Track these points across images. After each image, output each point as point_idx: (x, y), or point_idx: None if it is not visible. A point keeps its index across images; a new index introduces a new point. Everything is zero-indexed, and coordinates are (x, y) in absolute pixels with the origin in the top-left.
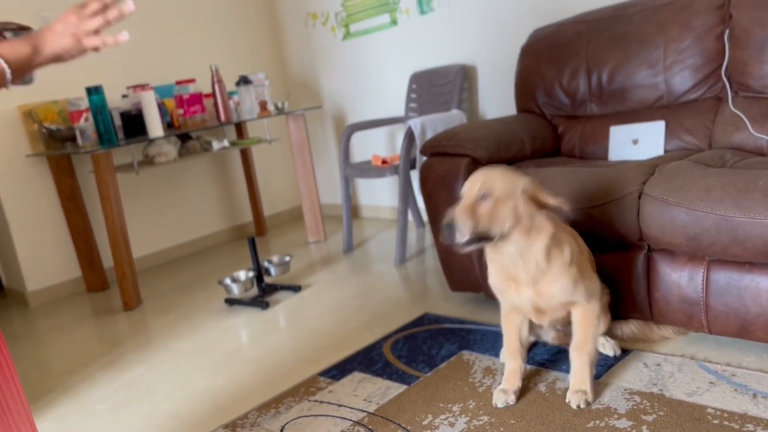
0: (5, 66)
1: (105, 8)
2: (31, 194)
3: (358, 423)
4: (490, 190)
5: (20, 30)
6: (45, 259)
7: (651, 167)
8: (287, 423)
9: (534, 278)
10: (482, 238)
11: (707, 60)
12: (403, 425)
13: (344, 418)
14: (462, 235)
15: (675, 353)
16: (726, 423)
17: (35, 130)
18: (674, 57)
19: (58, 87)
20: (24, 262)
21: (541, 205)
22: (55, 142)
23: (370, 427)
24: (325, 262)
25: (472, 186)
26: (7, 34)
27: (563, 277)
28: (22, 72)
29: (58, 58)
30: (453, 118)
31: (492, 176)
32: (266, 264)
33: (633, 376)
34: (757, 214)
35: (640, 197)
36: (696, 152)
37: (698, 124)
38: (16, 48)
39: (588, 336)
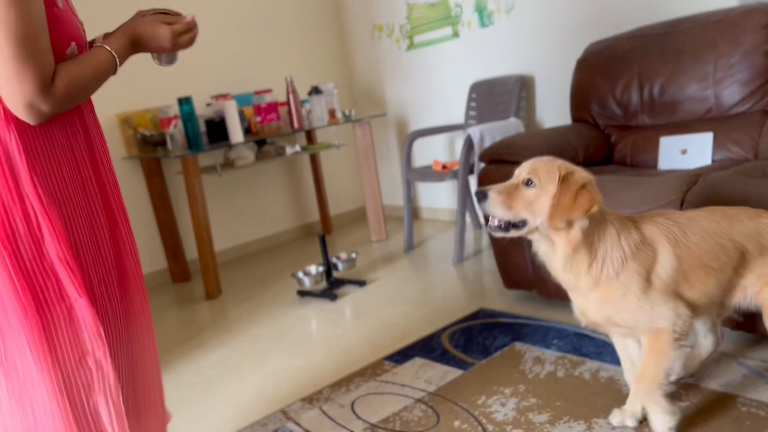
0: (116, 58)
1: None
2: (125, 193)
3: (419, 401)
4: (536, 178)
5: (167, 14)
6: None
7: (695, 177)
8: (357, 398)
9: (574, 284)
10: (512, 225)
11: (755, 75)
12: (460, 404)
13: (407, 396)
14: (491, 207)
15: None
16: (753, 410)
17: (130, 135)
18: (724, 72)
19: (150, 96)
20: None
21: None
22: (147, 146)
23: (430, 404)
24: (388, 260)
25: (522, 170)
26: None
27: (604, 290)
28: (122, 61)
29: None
30: (510, 126)
31: (543, 166)
32: (335, 260)
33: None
34: None
35: (681, 205)
36: (742, 162)
37: (745, 136)
38: (120, 43)
39: (647, 368)
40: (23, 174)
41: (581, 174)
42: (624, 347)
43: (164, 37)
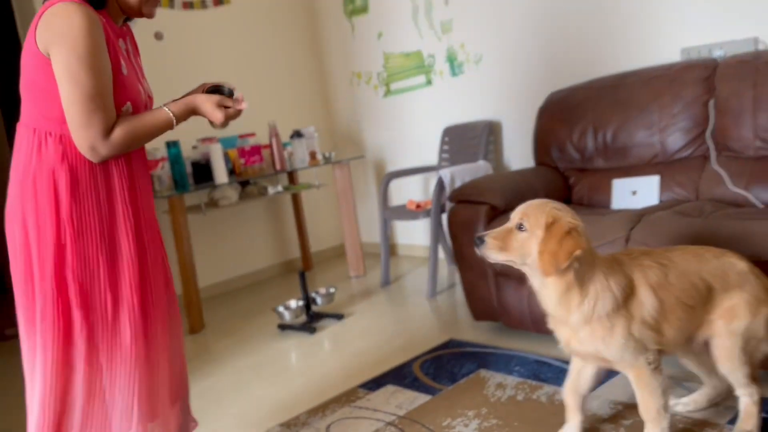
0: (174, 119)
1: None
2: None
3: (390, 424)
4: (527, 222)
5: (225, 88)
6: None
7: (639, 216)
8: (332, 423)
9: (561, 318)
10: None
11: (695, 124)
12: (427, 425)
13: (379, 420)
14: (487, 250)
15: None
16: (688, 427)
17: None
18: (667, 121)
19: None
20: None
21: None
22: None
23: (400, 426)
24: (365, 294)
25: (515, 214)
26: (224, 90)
27: (594, 328)
28: (179, 122)
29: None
30: (479, 168)
31: (534, 211)
32: (314, 295)
33: (620, 391)
34: None
35: (627, 242)
36: (684, 203)
37: (687, 179)
38: (180, 108)
39: (644, 401)
40: (64, 205)
41: (567, 220)
42: (581, 367)
43: (218, 119)
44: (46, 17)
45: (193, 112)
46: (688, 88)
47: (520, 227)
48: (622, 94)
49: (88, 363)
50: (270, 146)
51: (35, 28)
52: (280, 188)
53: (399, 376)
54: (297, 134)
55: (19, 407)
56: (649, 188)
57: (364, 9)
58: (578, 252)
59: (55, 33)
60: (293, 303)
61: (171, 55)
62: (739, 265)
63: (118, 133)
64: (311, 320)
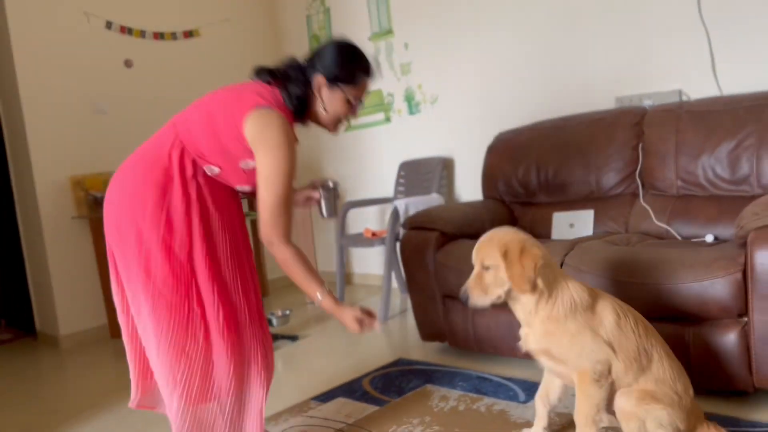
0: (320, 301)
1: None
2: (72, 250)
3: (339, 431)
4: (487, 261)
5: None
6: (77, 307)
7: (573, 244)
8: (285, 429)
9: (528, 320)
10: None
11: (626, 164)
12: (373, 431)
13: (329, 427)
14: (474, 302)
15: None
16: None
17: (82, 197)
18: (602, 161)
19: (105, 161)
20: (60, 309)
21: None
22: (99, 207)
23: None
24: (320, 319)
25: (475, 259)
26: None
27: (548, 326)
28: (322, 305)
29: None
30: (432, 200)
31: (486, 250)
32: (270, 316)
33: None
34: (637, 280)
35: (561, 265)
36: (615, 234)
37: (619, 214)
38: (328, 303)
39: (579, 405)
40: (195, 216)
41: (515, 243)
42: (551, 379)
43: (355, 331)
44: (259, 118)
45: (332, 312)
46: (621, 133)
47: (485, 268)
48: (563, 136)
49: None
50: None
51: (243, 119)
52: None
53: (349, 390)
54: None
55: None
56: (585, 221)
57: None
58: (540, 261)
59: (265, 141)
60: None
61: (140, 83)
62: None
63: (291, 252)
64: None
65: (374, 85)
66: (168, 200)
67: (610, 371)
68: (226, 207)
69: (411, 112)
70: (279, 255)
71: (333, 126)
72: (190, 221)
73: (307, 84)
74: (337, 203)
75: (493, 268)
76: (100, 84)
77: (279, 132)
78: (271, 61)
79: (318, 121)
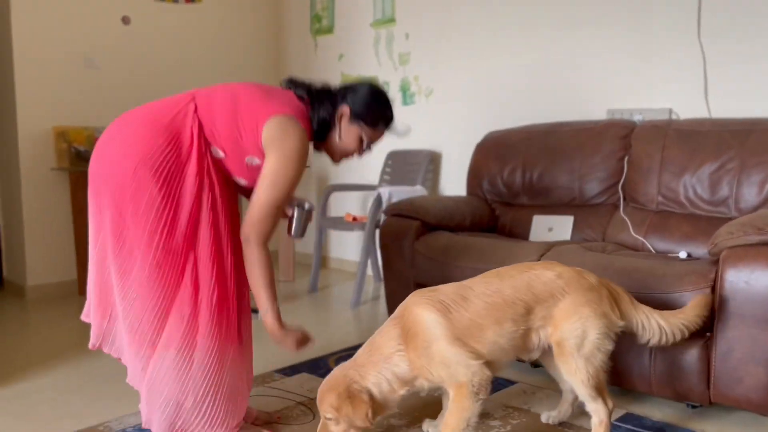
0: (265, 314)
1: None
2: (49, 202)
3: (300, 403)
4: (326, 413)
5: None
6: (48, 259)
7: (550, 246)
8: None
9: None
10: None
11: (610, 175)
12: None
13: (290, 399)
14: None
15: (545, 386)
16: (566, 430)
17: (64, 149)
18: (587, 169)
19: (88, 115)
20: (29, 259)
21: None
22: (80, 161)
23: (308, 406)
24: (291, 298)
25: (319, 408)
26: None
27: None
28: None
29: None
30: (416, 191)
31: (322, 402)
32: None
33: (512, 396)
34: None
35: None
36: (592, 242)
37: (597, 223)
38: (271, 319)
39: (449, 418)
40: (206, 189)
41: (342, 394)
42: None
43: (288, 349)
44: (283, 124)
45: (273, 335)
46: (608, 143)
47: (328, 419)
48: (551, 141)
49: None
50: None
51: (267, 119)
52: None
53: (314, 367)
54: None
55: None
56: (564, 227)
57: (329, 30)
58: (368, 410)
59: (282, 145)
60: None
61: (135, 42)
62: (545, 275)
63: (263, 256)
64: None
65: (370, 71)
66: (184, 170)
67: (487, 380)
68: (229, 189)
69: (405, 103)
70: (250, 254)
71: (339, 156)
72: (200, 194)
73: (332, 110)
74: (307, 225)
75: (334, 419)
76: (94, 38)
77: (298, 142)
78: (269, 38)
79: (328, 147)
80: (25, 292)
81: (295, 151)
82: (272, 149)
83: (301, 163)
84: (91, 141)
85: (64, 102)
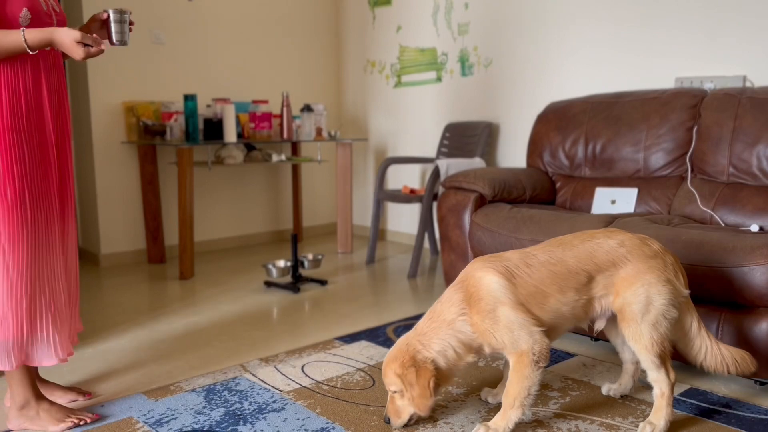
0: (26, 45)
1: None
2: (120, 174)
3: (360, 369)
4: (392, 386)
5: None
6: (119, 229)
7: (614, 218)
8: (307, 363)
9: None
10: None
11: (677, 146)
12: None
13: (350, 366)
14: (396, 425)
15: (605, 359)
16: (627, 403)
17: (133, 123)
18: (653, 140)
19: (156, 90)
20: (103, 229)
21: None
22: (148, 135)
23: (369, 372)
24: (350, 269)
25: (385, 383)
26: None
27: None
28: (37, 48)
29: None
30: (475, 163)
31: (386, 374)
32: (302, 258)
33: (572, 369)
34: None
35: None
36: (657, 215)
37: (663, 195)
38: (36, 36)
39: (510, 386)
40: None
41: (407, 362)
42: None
43: (77, 56)
44: None
45: (50, 43)
46: (676, 113)
47: (394, 392)
48: (615, 112)
49: None
50: (281, 116)
51: None
52: (283, 157)
53: (373, 335)
54: (307, 108)
55: None
56: (628, 199)
57: (387, 1)
58: (432, 379)
59: None
60: (282, 262)
61: (199, 18)
62: (607, 243)
63: None
64: (296, 281)
65: (429, 42)
66: None
67: (548, 348)
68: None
69: (463, 74)
70: None
71: None
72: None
73: None
74: (128, 30)
75: (398, 391)
76: (160, 14)
77: None
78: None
79: None
80: (99, 260)
81: None
82: None
83: None
84: (158, 115)
85: (132, 78)
